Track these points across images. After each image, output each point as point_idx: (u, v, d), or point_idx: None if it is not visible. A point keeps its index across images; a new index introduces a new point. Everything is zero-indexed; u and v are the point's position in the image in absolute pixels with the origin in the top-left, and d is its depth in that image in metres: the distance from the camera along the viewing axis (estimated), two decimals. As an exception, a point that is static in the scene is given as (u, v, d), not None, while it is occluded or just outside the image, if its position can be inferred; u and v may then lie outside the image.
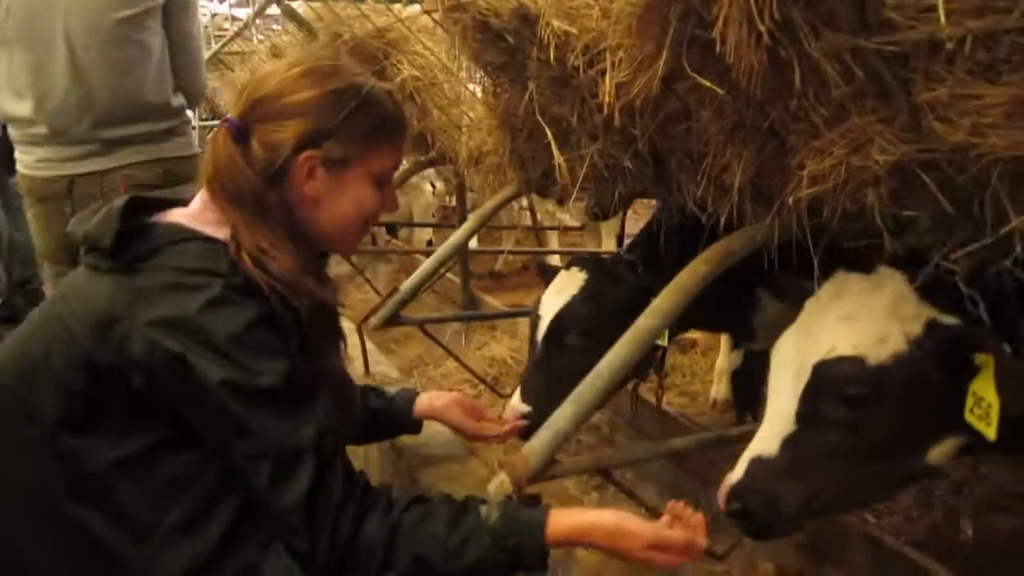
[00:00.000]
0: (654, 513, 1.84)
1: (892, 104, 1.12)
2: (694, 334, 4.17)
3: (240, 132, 1.42)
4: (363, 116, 1.44)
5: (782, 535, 1.45)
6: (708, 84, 1.25)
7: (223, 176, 1.40)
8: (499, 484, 1.53)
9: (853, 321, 1.41)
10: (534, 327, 2.20)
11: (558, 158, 1.71)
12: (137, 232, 1.34)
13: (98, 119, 2.68)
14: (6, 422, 1.37)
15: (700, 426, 2.76)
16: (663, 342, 2.27)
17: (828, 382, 1.38)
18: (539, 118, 1.74)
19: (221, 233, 1.37)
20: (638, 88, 1.30)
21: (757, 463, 1.39)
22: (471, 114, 2.79)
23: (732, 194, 1.51)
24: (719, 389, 3.45)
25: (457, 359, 3.02)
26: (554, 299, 2.18)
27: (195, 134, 4.14)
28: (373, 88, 1.47)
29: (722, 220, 1.67)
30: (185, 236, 1.35)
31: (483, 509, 1.37)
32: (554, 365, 2.11)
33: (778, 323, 2.54)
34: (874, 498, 1.70)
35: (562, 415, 1.55)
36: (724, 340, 3.37)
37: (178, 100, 2.89)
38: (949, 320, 1.40)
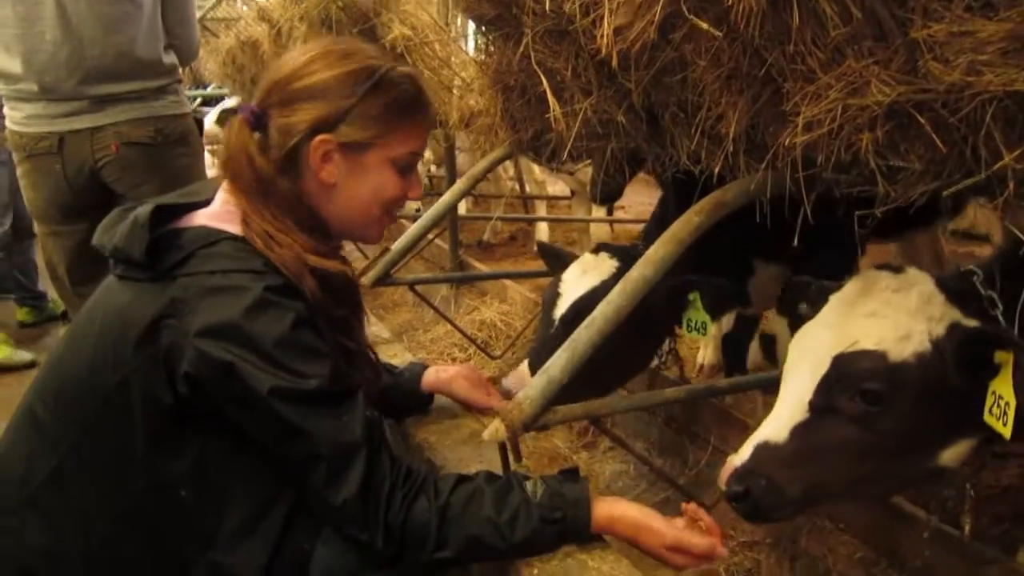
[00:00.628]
0: (644, 463, 1.88)
1: (889, 45, 1.13)
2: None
3: (257, 120, 1.43)
4: (378, 99, 1.43)
5: (778, 521, 1.46)
6: (706, 27, 1.25)
7: (234, 163, 1.42)
8: (494, 431, 1.55)
9: (879, 318, 1.41)
10: (551, 303, 2.17)
11: (553, 106, 1.70)
12: (166, 239, 1.35)
13: (88, 75, 2.65)
14: (66, 432, 1.37)
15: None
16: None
17: (847, 374, 1.37)
18: (535, 67, 1.73)
19: (242, 226, 1.39)
20: (636, 32, 1.30)
21: (764, 448, 1.38)
22: (462, 74, 2.77)
23: (726, 144, 1.51)
24: (706, 354, 3.50)
25: (448, 320, 3.03)
26: (578, 280, 2.15)
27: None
28: (390, 70, 1.46)
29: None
30: (213, 238, 1.36)
31: (528, 485, 1.41)
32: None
33: (771, 292, 2.60)
34: (878, 494, 1.69)
35: (556, 362, 1.56)
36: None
37: (170, 58, 2.86)
38: (971, 323, 1.41)
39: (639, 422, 2.82)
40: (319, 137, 1.40)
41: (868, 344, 1.37)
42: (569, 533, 1.42)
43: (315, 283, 1.38)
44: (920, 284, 1.45)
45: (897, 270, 1.50)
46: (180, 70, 2.99)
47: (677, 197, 2.30)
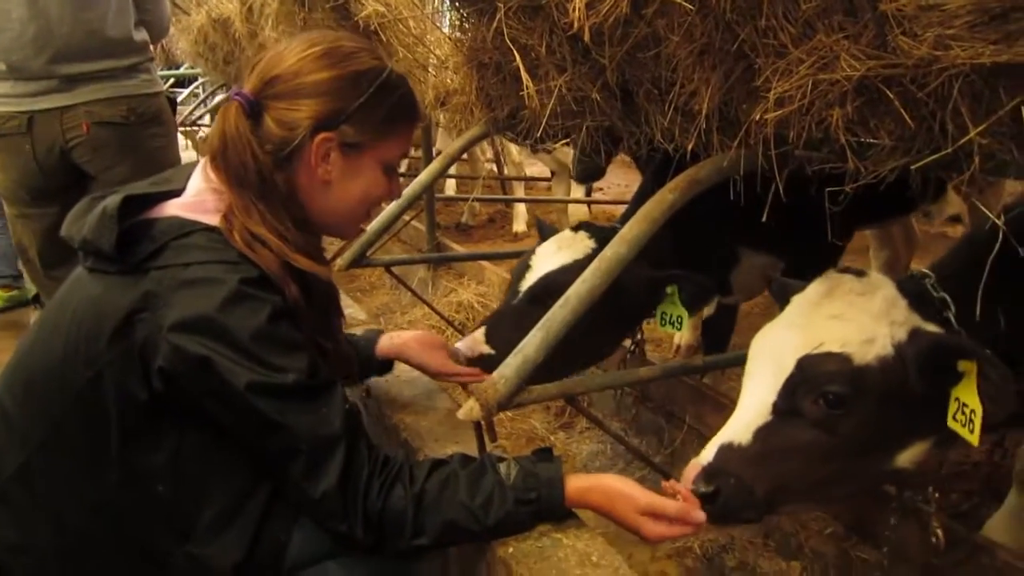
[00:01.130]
0: (620, 442, 1.90)
1: (859, 19, 1.13)
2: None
3: (253, 108, 1.39)
4: (381, 102, 1.42)
5: (746, 522, 1.43)
6: (679, 1, 1.24)
7: (230, 152, 1.37)
8: (468, 410, 1.54)
9: (843, 320, 1.41)
10: (519, 275, 2.13)
11: (527, 82, 1.69)
12: (137, 231, 1.32)
13: (57, 54, 2.59)
14: (34, 427, 1.35)
15: (665, 365, 2.81)
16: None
17: (811, 376, 1.37)
18: (508, 43, 1.72)
19: (220, 219, 1.36)
20: (608, 6, 1.29)
21: (728, 449, 1.38)
22: (437, 52, 2.74)
23: (699, 121, 1.51)
24: (683, 335, 3.51)
25: (425, 302, 3.02)
26: (551, 255, 2.11)
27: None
28: (391, 74, 1.45)
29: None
30: (187, 229, 1.33)
31: (502, 467, 1.41)
32: (529, 321, 1.93)
33: (757, 282, 2.60)
34: (839, 497, 1.69)
35: (531, 342, 1.56)
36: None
37: (140, 35, 2.80)
38: (931, 328, 1.42)
39: (615, 402, 2.83)
40: (321, 135, 1.38)
41: (833, 346, 1.37)
42: (544, 512, 1.42)
43: (296, 285, 1.36)
44: (883, 288, 1.45)
45: (859, 273, 1.51)
46: (152, 48, 2.93)
47: (655, 178, 2.28)
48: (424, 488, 1.36)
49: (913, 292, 1.47)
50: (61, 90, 2.63)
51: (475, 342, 1.96)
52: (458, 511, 1.36)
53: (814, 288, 1.50)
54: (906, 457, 1.45)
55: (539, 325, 1.57)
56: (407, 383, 2.21)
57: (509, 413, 2.88)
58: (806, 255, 2.37)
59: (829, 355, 1.37)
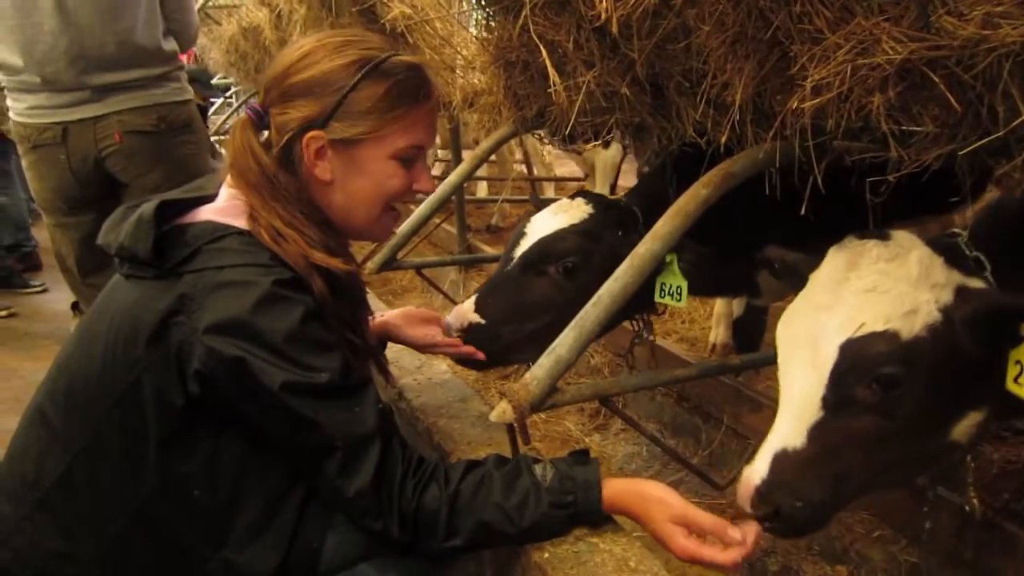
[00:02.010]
0: (656, 443, 1.86)
1: (899, 0, 1.08)
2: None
3: (260, 119, 1.42)
4: (368, 91, 1.39)
5: (815, 531, 1.31)
6: (709, -12, 1.20)
7: (239, 160, 1.40)
8: (501, 412, 1.52)
9: (879, 293, 1.28)
10: (515, 242, 2.07)
11: (554, 77, 1.66)
12: (172, 236, 1.33)
13: (89, 65, 2.65)
14: (75, 435, 1.36)
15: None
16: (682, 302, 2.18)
17: (860, 362, 1.25)
18: (535, 39, 1.69)
19: (247, 219, 1.37)
20: (636, -3, 1.26)
21: (783, 457, 1.25)
22: (464, 52, 2.72)
23: (732, 112, 1.47)
24: (718, 334, 3.45)
25: (455, 303, 3.00)
26: (547, 221, 2.04)
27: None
28: (383, 61, 1.41)
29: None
30: (220, 233, 1.34)
31: (537, 469, 1.39)
32: (522, 289, 1.97)
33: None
34: (899, 482, 1.57)
35: (563, 342, 1.53)
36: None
37: (170, 44, 2.84)
38: (976, 284, 1.31)
39: (651, 403, 2.79)
40: (309, 134, 1.38)
41: (876, 325, 1.25)
42: (580, 516, 1.40)
43: (322, 280, 1.36)
44: (915, 249, 1.32)
45: (882, 236, 1.38)
46: (181, 57, 2.97)
47: (678, 169, 2.20)
48: (459, 489, 1.35)
49: (945, 250, 1.36)
50: (93, 100, 2.69)
51: (464, 312, 1.91)
52: (492, 512, 1.35)
53: (834, 260, 1.37)
54: (962, 429, 1.35)
55: (572, 324, 1.54)
56: (439, 386, 2.20)
57: (543, 415, 2.85)
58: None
59: (874, 335, 1.25)
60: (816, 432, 1.26)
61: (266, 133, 1.45)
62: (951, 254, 1.36)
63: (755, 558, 2.05)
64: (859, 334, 1.26)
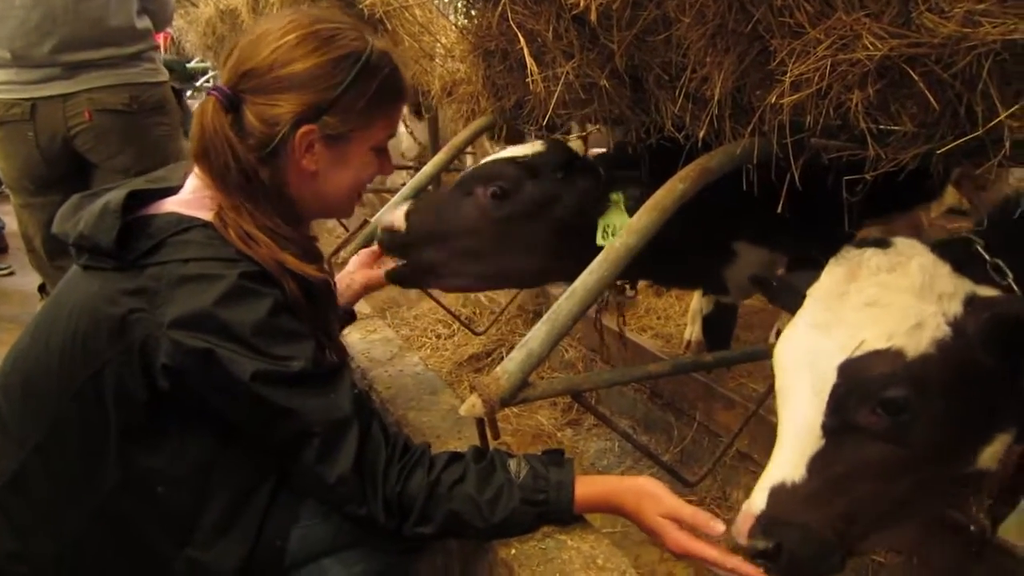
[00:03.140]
0: (627, 439, 1.84)
1: (881, -4, 1.07)
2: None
3: (231, 103, 1.35)
4: (362, 88, 1.38)
5: (832, 572, 1.16)
6: (689, -22, 1.18)
7: (211, 151, 1.33)
8: (471, 406, 1.49)
9: (880, 307, 1.17)
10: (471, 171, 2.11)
11: (531, 67, 1.63)
12: (135, 227, 1.29)
13: (60, 41, 2.60)
14: (30, 431, 1.33)
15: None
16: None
17: (861, 384, 1.14)
18: (513, 28, 1.66)
19: (214, 216, 1.33)
20: (616, -15, 1.23)
21: (781, 490, 1.14)
22: (443, 40, 2.69)
23: (711, 106, 1.45)
24: (693, 331, 3.45)
25: (432, 296, 2.97)
26: (498, 154, 2.09)
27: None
28: (372, 55, 1.39)
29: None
30: (185, 225, 1.31)
31: (512, 464, 1.38)
32: (449, 206, 1.98)
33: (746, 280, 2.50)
34: (921, 513, 1.39)
35: (535, 335, 1.50)
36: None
37: (143, 23, 2.78)
38: (987, 292, 1.20)
39: (623, 399, 2.78)
40: (303, 128, 1.35)
41: (877, 343, 1.14)
42: (550, 515, 1.39)
43: (295, 283, 1.33)
44: (916, 256, 1.21)
45: (882, 243, 1.26)
46: (156, 38, 2.92)
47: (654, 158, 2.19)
48: (439, 478, 1.34)
49: (956, 255, 1.25)
50: (63, 77, 2.63)
51: (395, 218, 1.92)
52: (465, 504, 1.33)
53: (832, 273, 1.26)
54: (990, 454, 1.21)
55: (545, 318, 1.52)
56: (410, 378, 2.17)
57: (515, 409, 2.83)
58: (810, 250, 2.28)
59: (876, 354, 1.13)
60: (817, 463, 1.14)
61: (232, 117, 1.38)
62: (961, 260, 1.25)
63: None
64: (859, 353, 1.15)
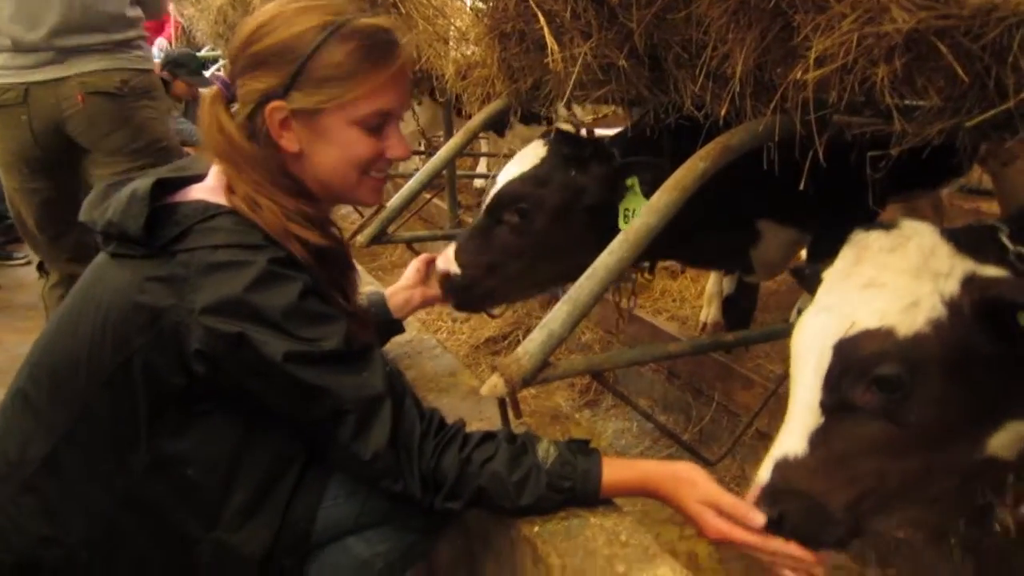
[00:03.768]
0: (647, 419, 1.85)
1: (908, -32, 1.06)
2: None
3: (227, 87, 1.39)
4: (327, 60, 1.34)
5: (838, 545, 1.20)
6: (713, -47, 1.17)
7: (207, 134, 1.38)
8: (492, 386, 1.50)
9: (876, 287, 1.19)
10: (487, 192, 2.16)
11: (552, 46, 1.63)
12: (162, 214, 1.30)
13: (55, 27, 2.65)
14: (60, 417, 1.34)
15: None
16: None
17: (853, 363, 1.16)
18: (533, 8, 1.65)
19: (224, 190, 1.35)
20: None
21: (784, 463, 1.19)
22: (458, 23, 2.67)
23: (733, 84, 1.44)
24: (709, 312, 3.44)
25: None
26: (509, 169, 2.12)
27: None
28: (343, 26, 1.35)
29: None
30: (211, 212, 1.32)
31: (540, 449, 1.38)
32: (488, 237, 2.09)
33: (780, 258, 2.50)
34: (933, 494, 1.34)
35: (556, 316, 1.51)
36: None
37: (134, 11, 2.85)
38: (992, 272, 1.18)
39: (641, 379, 2.79)
40: (270, 105, 1.34)
41: (870, 322, 1.16)
42: (576, 502, 1.40)
43: (300, 245, 1.34)
44: (917, 236, 1.22)
45: (888, 226, 1.28)
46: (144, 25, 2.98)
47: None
48: (471, 456, 1.35)
49: (973, 240, 1.24)
50: (56, 62, 2.69)
51: (447, 261, 2.02)
52: (493, 482, 1.35)
53: (842, 257, 1.29)
54: (1000, 441, 1.19)
55: (565, 298, 1.52)
56: (430, 360, 2.18)
57: (533, 391, 2.84)
58: (835, 229, 2.27)
59: (867, 333, 1.16)
60: (817, 438, 1.18)
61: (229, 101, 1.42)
62: (975, 243, 1.24)
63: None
64: (851, 333, 1.17)
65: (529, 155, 2.12)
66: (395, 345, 2.27)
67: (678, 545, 2.04)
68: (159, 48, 6.02)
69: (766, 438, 2.29)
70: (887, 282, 1.19)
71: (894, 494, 1.20)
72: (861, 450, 1.16)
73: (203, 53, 8.34)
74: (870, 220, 2.53)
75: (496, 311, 3.21)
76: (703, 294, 3.58)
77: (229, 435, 1.35)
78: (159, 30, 7.83)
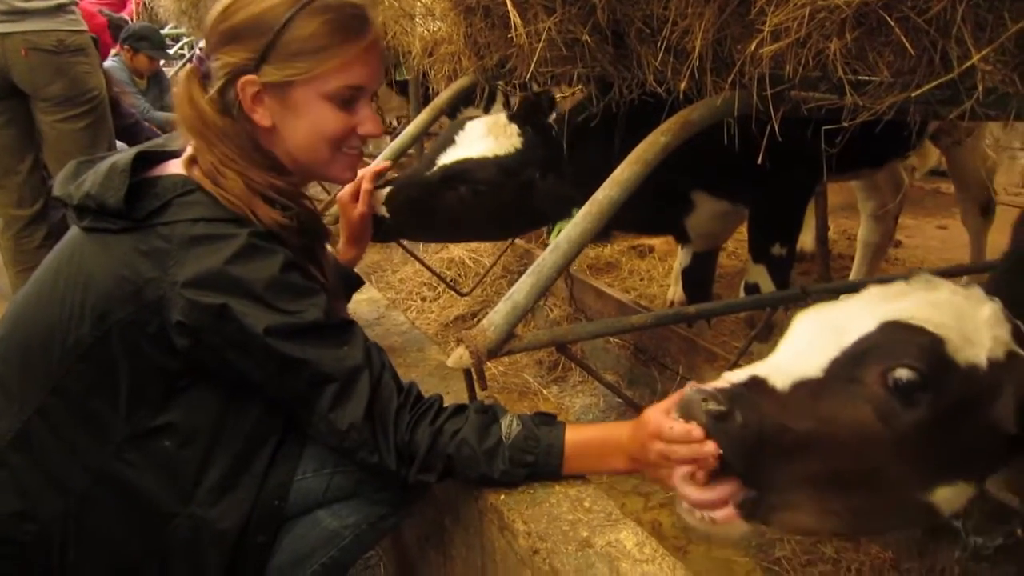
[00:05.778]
0: (614, 393, 1.88)
1: (859, -58, 1.09)
2: (652, 240, 4.21)
3: (204, 66, 1.40)
4: (299, 33, 1.34)
5: (738, 478, 1.12)
6: (670, -73, 1.19)
7: (179, 110, 1.39)
8: (458, 358, 1.52)
9: (943, 308, 1.16)
10: (443, 144, 2.20)
11: (515, 19, 1.63)
12: (141, 188, 1.30)
13: None
14: (31, 391, 1.33)
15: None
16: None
17: (891, 343, 1.11)
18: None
19: (184, 161, 1.35)
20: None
21: (761, 384, 1.12)
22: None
23: (692, 58, 1.46)
24: (676, 291, 3.50)
25: (417, 259, 2.99)
26: (477, 139, 2.16)
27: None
28: (312, 1, 1.35)
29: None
30: (190, 187, 1.32)
31: (504, 423, 1.38)
32: (432, 196, 2.13)
33: (717, 229, 2.55)
34: (866, 521, 1.26)
35: (520, 288, 1.53)
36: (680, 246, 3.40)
37: None
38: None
39: (608, 355, 2.83)
40: (243, 79, 1.35)
41: (927, 323, 1.11)
42: (539, 476, 1.42)
43: (267, 209, 1.34)
44: (991, 303, 1.20)
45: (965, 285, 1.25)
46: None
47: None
48: (442, 427, 1.36)
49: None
50: (6, 21, 3.18)
51: (377, 200, 2.03)
52: (463, 451, 1.36)
53: (899, 284, 1.24)
54: (944, 495, 1.16)
55: (530, 271, 1.55)
56: (397, 336, 2.19)
57: (501, 367, 2.87)
58: (769, 202, 2.34)
59: (923, 330, 1.10)
60: (804, 387, 1.12)
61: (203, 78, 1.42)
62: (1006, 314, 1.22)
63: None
64: (907, 320, 1.12)
65: (500, 139, 2.15)
66: (363, 323, 2.27)
67: (643, 515, 2.08)
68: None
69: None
70: (955, 311, 1.17)
71: (825, 495, 1.14)
72: (834, 423, 1.11)
73: (167, 31, 8.18)
74: (808, 195, 2.56)
75: (465, 289, 3.24)
76: (671, 273, 3.63)
77: (208, 409, 1.36)
78: (121, 5, 7.66)
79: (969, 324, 1.14)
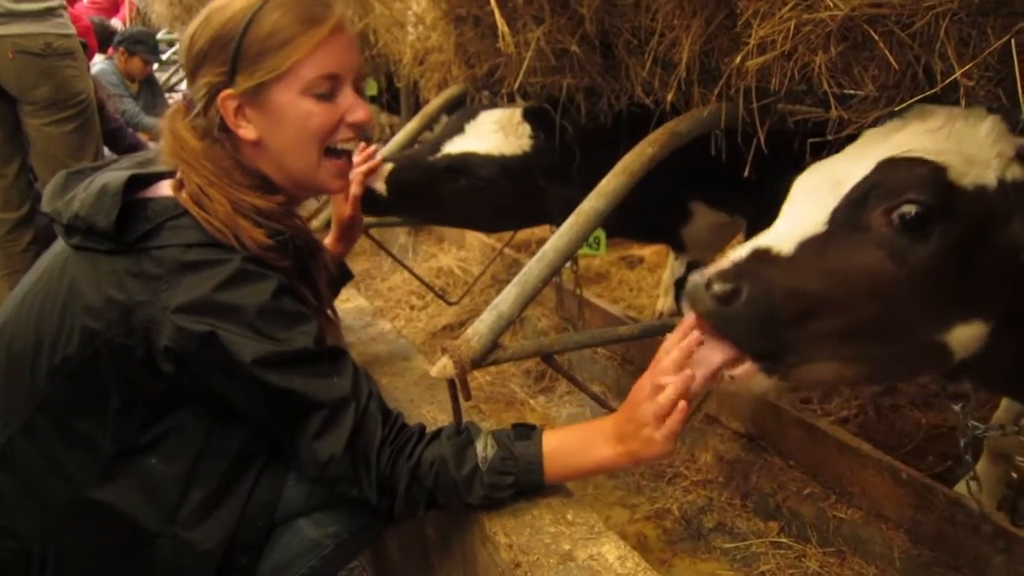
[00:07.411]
0: (600, 404, 1.87)
1: (843, -43, 1.09)
2: (641, 251, 4.21)
3: (189, 102, 1.40)
4: (259, 34, 1.33)
5: (751, 351, 1.07)
6: (657, -61, 1.19)
7: (163, 143, 1.39)
8: (442, 368, 1.51)
9: (940, 133, 1.11)
10: (454, 130, 2.19)
11: (503, 28, 1.64)
12: (132, 210, 1.28)
13: None
14: (15, 408, 1.32)
15: (645, 328, 2.78)
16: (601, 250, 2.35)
17: (890, 181, 1.05)
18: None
19: (173, 184, 1.35)
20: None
21: (765, 254, 1.06)
22: (415, 7, 2.67)
23: (679, 70, 1.47)
24: (665, 302, 3.49)
25: (405, 267, 2.98)
26: (487, 134, 2.16)
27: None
28: (268, 1, 1.34)
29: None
30: (181, 210, 1.31)
31: (479, 445, 1.36)
32: (433, 184, 2.12)
33: (714, 239, 2.57)
34: (871, 368, 1.20)
35: (505, 298, 1.52)
36: (670, 256, 3.40)
37: None
38: None
39: (595, 365, 2.82)
40: (220, 96, 1.34)
41: (926, 152, 1.06)
42: (523, 490, 1.40)
43: (252, 231, 1.31)
44: (991, 119, 1.12)
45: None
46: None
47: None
48: (420, 460, 1.34)
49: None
50: (2, 23, 3.17)
51: (379, 177, 2.00)
52: (444, 484, 1.34)
53: (897, 118, 1.19)
54: (960, 335, 1.11)
55: (515, 280, 1.54)
56: (384, 345, 2.18)
57: (488, 377, 2.85)
58: (767, 213, 2.33)
59: (920, 160, 1.04)
60: (809, 245, 1.06)
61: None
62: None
63: (691, 514, 2.10)
64: (903, 155, 1.07)
65: (510, 139, 2.15)
66: (349, 330, 2.26)
67: (628, 528, 2.07)
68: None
69: (715, 422, 2.34)
70: (954, 133, 1.11)
71: (845, 340, 1.09)
72: (847, 273, 1.06)
73: (161, 36, 8.17)
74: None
75: (453, 298, 3.23)
76: (660, 284, 3.63)
77: (195, 430, 1.34)
78: (114, 10, 7.65)
79: (971, 145, 1.08)
